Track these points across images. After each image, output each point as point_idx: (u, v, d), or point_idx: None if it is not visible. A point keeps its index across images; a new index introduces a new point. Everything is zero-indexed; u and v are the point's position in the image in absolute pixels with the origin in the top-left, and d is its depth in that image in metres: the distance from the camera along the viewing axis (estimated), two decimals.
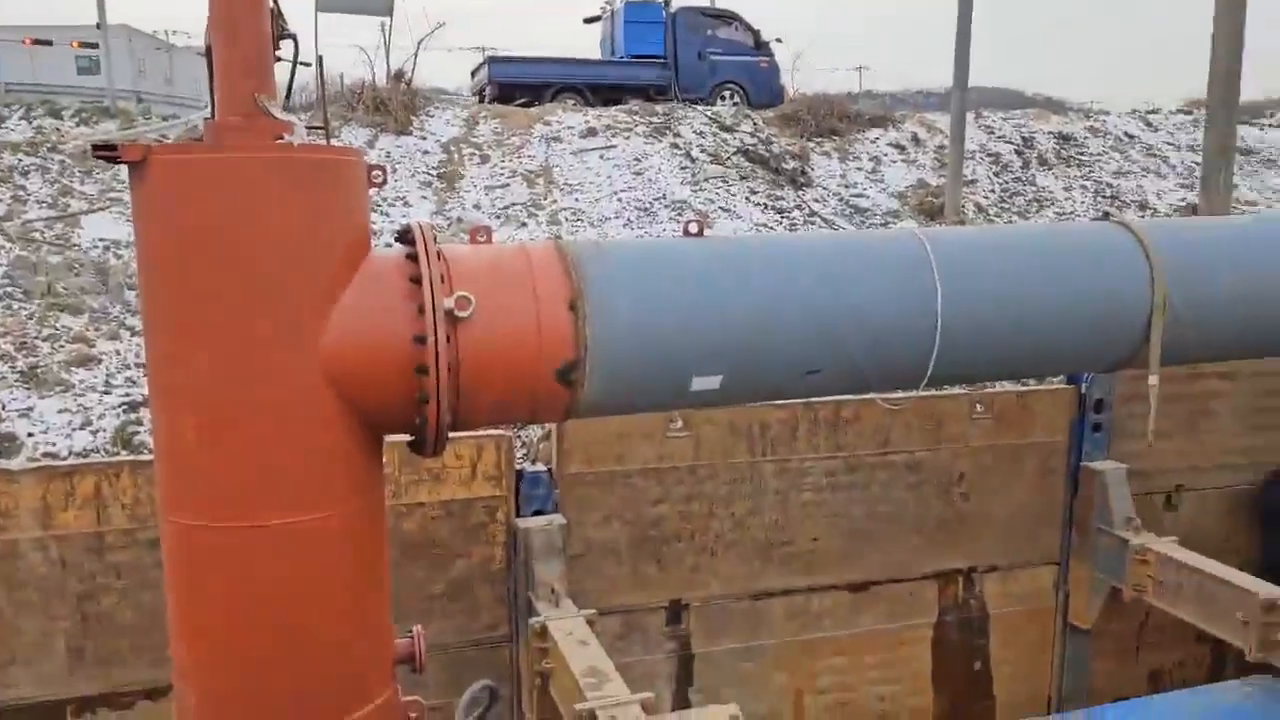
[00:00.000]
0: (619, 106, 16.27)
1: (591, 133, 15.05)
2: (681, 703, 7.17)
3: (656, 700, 7.03)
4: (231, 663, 3.32)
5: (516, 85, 17.56)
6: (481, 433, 6.09)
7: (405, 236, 3.61)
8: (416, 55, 15.62)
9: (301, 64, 3.46)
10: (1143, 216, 13.94)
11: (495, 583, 6.42)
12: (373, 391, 3.39)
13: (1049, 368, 5.56)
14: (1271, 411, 8.40)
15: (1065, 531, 7.85)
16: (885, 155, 15.75)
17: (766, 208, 14.02)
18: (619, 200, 13.65)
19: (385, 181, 3.53)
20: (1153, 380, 4.92)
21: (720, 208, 13.86)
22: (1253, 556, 8.44)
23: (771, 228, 13.47)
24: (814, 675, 7.51)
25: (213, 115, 3.25)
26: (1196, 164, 13.35)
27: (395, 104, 14.02)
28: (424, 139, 14.08)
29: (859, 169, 15.34)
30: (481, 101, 17.57)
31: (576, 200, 13.51)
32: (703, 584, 7.10)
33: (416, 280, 3.41)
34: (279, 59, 3.28)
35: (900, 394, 7.12)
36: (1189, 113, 17.31)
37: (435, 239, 3.55)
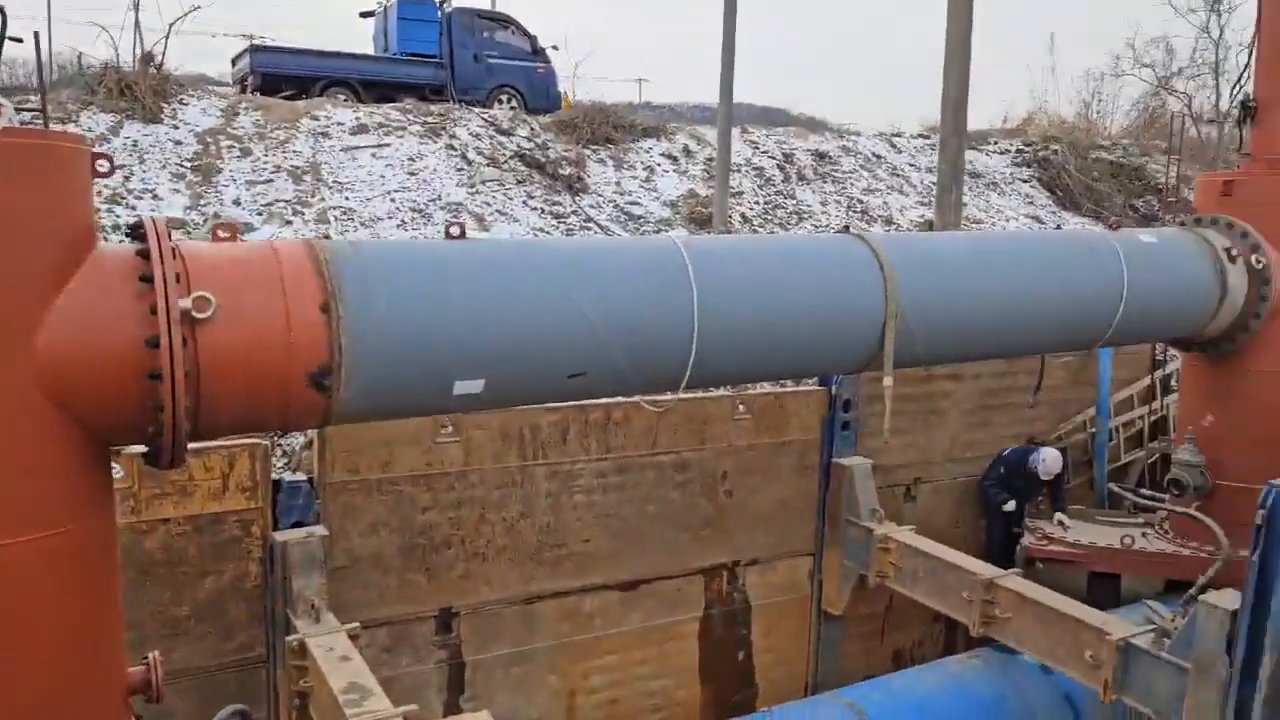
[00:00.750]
0: (392, 105, 15.84)
1: (363, 130, 14.58)
2: (453, 712, 7.05)
3: (428, 712, 6.90)
4: None
5: (282, 76, 16.70)
6: (234, 441, 5.75)
7: (137, 232, 3.36)
8: (168, 37, 14.52)
9: (12, 39, 3.14)
10: (888, 231, 15.10)
11: (250, 600, 6.07)
12: (98, 400, 3.14)
13: (799, 370, 5.94)
14: (990, 409, 9.32)
15: (819, 523, 8.35)
16: (659, 165, 16.21)
17: (543, 212, 14.08)
18: (392, 200, 13.29)
19: (112, 171, 3.27)
20: (887, 382, 5.33)
21: (497, 211, 13.80)
22: (980, 540, 9.33)
23: (548, 232, 13.55)
24: (586, 675, 7.60)
25: None
26: (933, 184, 14.59)
27: (143, 89, 12.99)
28: (177, 128, 13.15)
29: (634, 177, 15.70)
30: (243, 92, 16.59)
31: (347, 199, 13.04)
32: (474, 590, 7.01)
33: (148, 279, 3.18)
34: None
35: (670, 396, 7.35)
36: (927, 137, 18.91)
37: (170, 235, 3.33)
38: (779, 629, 8.45)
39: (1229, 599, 5.51)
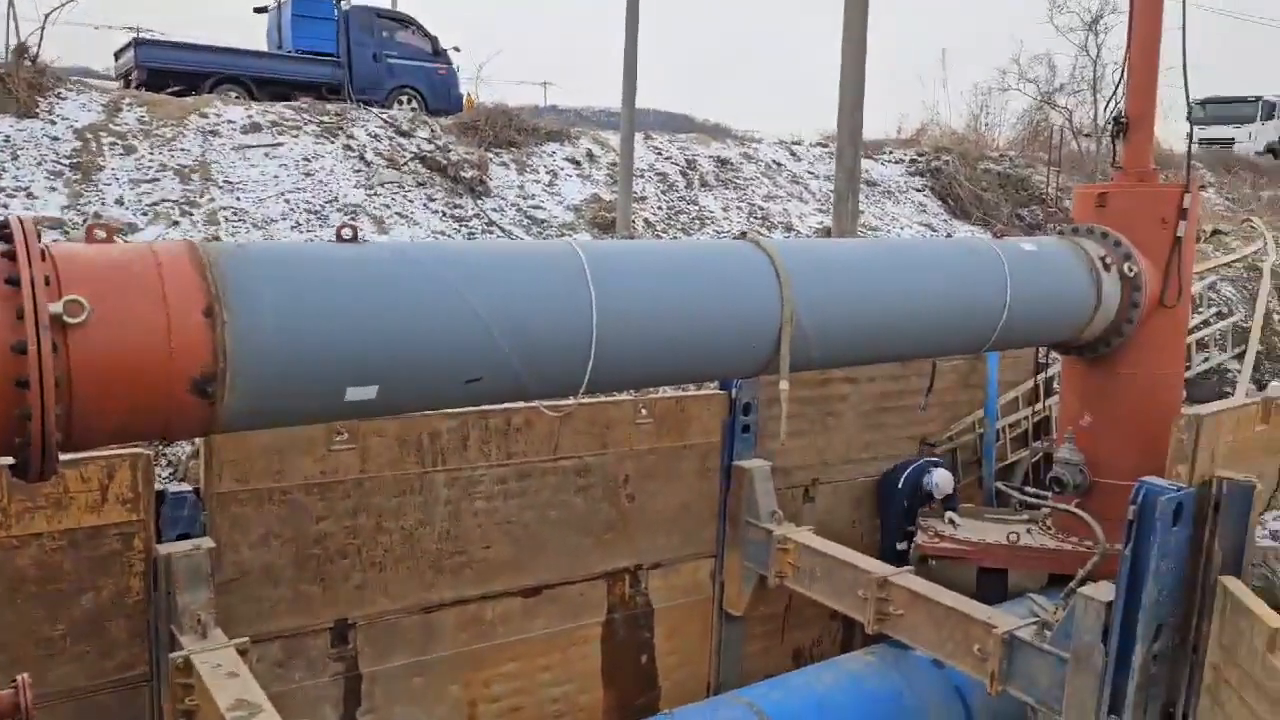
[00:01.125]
0: (287, 103, 15.45)
1: (255, 128, 14.18)
2: None
3: None
4: None
5: (168, 72, 16.10)
6: (113, 451, 5.50)
7: (2, 232, 3.19)
8: (44, 28, 13.85)
9: None
10: (788, 237, 15.38)
11: (132, 617, 5.81)
12: None
13: (698, 374, 6.00)
14: (885, 411, 9.57)
15: (720, 526, 8.43)
16: (562, 169, 16.19)
17: (445, 215, 13.92)
18: (286, 202, 12.97)
19: None
20: (783, 385, 5.42)
21: (397, 214, 13.59)
22: (876, 539, 9.56)
23: (450, 235, 13.40)
24: (488, 684, 7.51)
25: None
26: (831, 192, 14.92)
27: (17, 82, 12.37)
28: (54, 123, 12.56)
29: (537, 181, 15.65)
30: (128, 87, 15.95)
31: (238, 199, 12.66)
32: (371, 601, 6.86)
33: (15, 282, 3.03)
34: None
35: (570, 400, 7.34)
36: (826, 145, 19.34)
37: (40, 235, 3.18)
38: (681, 631, 8.50)
39: (1104, 591, 5.76)
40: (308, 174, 13.62)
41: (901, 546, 9.00)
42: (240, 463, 6.17)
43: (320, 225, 12.64)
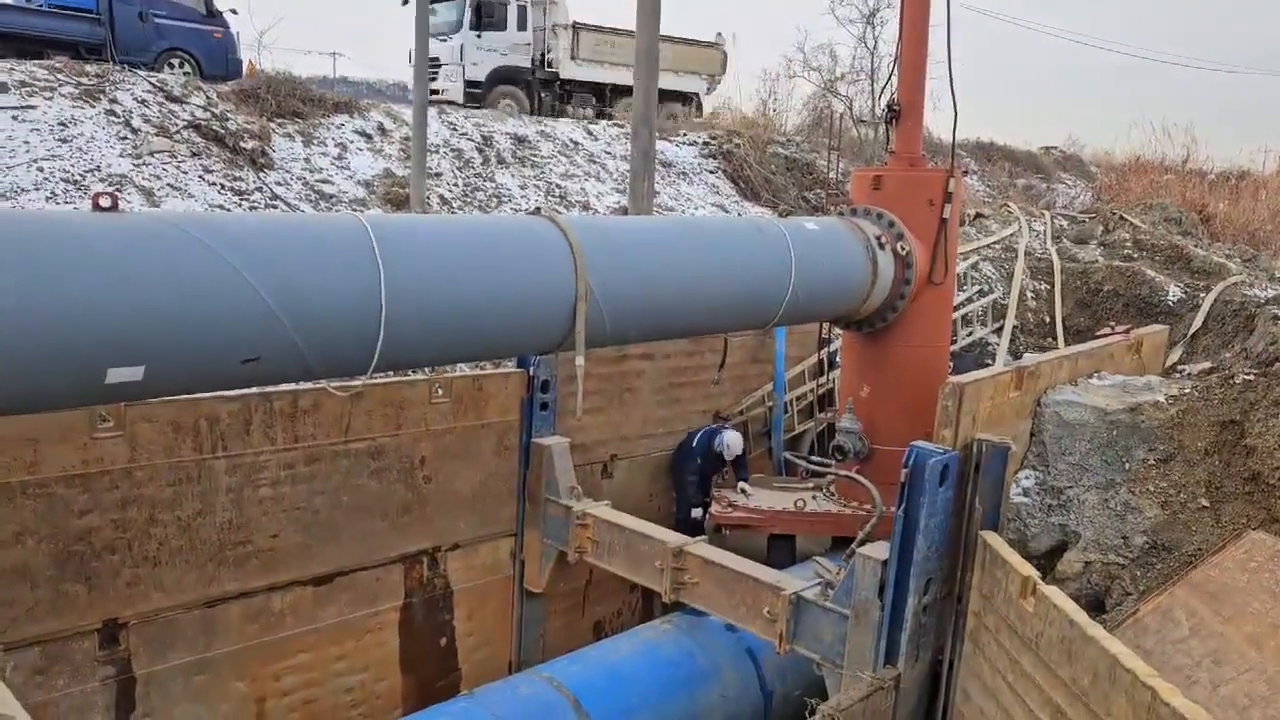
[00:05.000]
0: (38, 62, 14.02)
1: (1, 88, 12.78)
2: None
3: None
4: None
5: None
6: None
7: None
8: None
9: None
10: (585, 215, 15.44)
11: None
12: None
13: (493, 351, 5.92)
14: (680, 386, 9.83)
15: (519, 504, 8.41)
16: (352, 142, 15.56)
17: (224, 188, 13.08)
18: (40, 170, 11.81)
19: None
20: (579, 361, 5.45)
21: (169, 185, 12.65)
22: (672, 511, 9.83)
23: (229, 209, 12.61)
24: (277, 678, 7.18)
25: None
26: (627, 172, 15.08)
27: None
28: None
29: (325, 154, 14.96)
30: None
31: None
32: (144, 598, 6.40)
33: None
34: None
35: (359, 380, 7.09)
36: (622, 126, 19.53)
37: None
38: (481, 612, 8.43)
39: (880, 550, 6.14)
40: (64, 140, 12.44)
41: (696, 514, 9.28)
42: None
43: (80, 196, 11.59)
